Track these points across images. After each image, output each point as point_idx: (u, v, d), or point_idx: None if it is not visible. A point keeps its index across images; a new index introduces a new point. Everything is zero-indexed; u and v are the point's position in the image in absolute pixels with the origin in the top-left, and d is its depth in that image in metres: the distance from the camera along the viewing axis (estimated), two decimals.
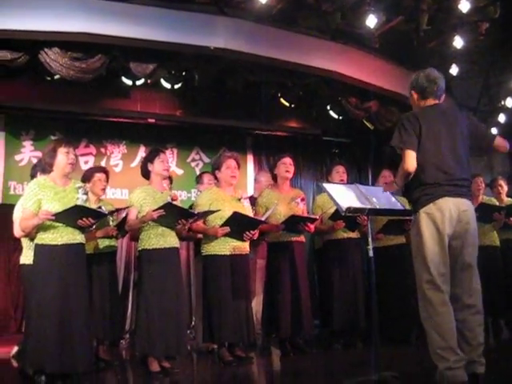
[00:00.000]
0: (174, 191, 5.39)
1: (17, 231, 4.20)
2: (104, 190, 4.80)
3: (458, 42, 6.42)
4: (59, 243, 3.78)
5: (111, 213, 4.37)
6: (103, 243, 4.64)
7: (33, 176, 4.43)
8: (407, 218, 4.82)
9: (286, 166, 5.00)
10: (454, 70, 6.98)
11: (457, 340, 3.02)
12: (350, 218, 4.62)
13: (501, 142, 3.35)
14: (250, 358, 4.62)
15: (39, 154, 6.17)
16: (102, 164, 6.67)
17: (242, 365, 4.43)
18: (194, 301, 5.90)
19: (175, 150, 7.30)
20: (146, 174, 4.38)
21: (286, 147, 7.31)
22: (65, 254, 3.78)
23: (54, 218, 3.69)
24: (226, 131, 7.47)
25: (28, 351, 3.77)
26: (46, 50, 5.37)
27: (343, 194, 3.54)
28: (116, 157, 6.96)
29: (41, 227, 3.79)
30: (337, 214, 4.76)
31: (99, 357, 4.56)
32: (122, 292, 5.65)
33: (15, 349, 5.20)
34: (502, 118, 7.86)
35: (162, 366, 4.12)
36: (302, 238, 5.01)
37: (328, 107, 7.64)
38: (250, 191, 7.14)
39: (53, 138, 6.41)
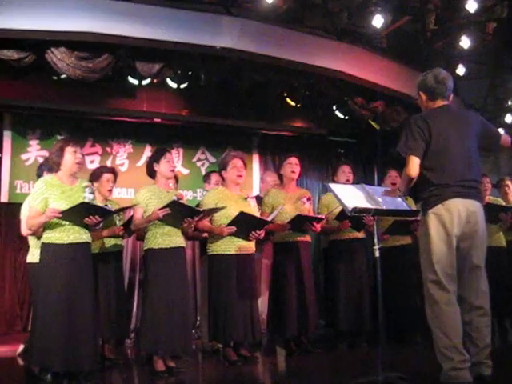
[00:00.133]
0: (180, 191, 5.40)
1: (24, 229, 4.22)
2: (111, 191, 4.80)
3: (465, 42, 6.39)
4: (66, 242, 3.79)
5: (118, 210, 4.37)
6: (109, 242, 4.65)
7: (39, 175, 4.44)
8: (413, 218, 4.83)
9: (292, 166, 5.00)
10: (460, 70, 6.96)
11: (463, 342, 3.02)
12: (355, 218, 4.61)
13: (505, 139, 3.37)
14: (255, 358, 4.62)
15: (45, 153, 6.20)
16: (108, 163, 6.68)
17: (247, 364, 4.44)
18: (199, 300, 5.90)
19: (181, 150, 7.30)
20: (151, 173, 4.39)
21: (291, 147, 7.30)
22: (71, 253, 3.79)
23: (60, 215, 3.70)
24: (232, 131, 7.47)
25: (34, 349, 3.78)
26: (52, 49, 5.39)
27: (349, 194, 3.54)
28: (122, 156, 6.97)
29: (47, 226, 3.80)
30: (343, 214, 4.76)
31: (104, 356, 4.57)
32: (127, 291, 5.66)
33: (21, 347, 5.23)
34: (508, 118, 7.83)
35: (167, 365, 4.13)
36: (307, 238, 5.01)
37: (334, 107, 7.62)
38: (256, 191, 7.14)
39: (59, 137, 6.42)
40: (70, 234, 3.81)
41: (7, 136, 6.39)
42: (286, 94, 7.23)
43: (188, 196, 6.95)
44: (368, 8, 5.88)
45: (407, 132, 3.20)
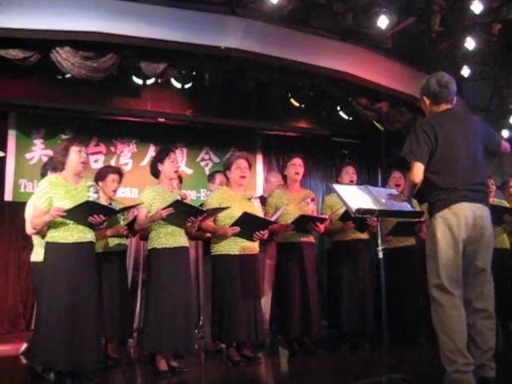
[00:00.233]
0: (184, 191, 5.39)
1: (28, 229, 4.23)
2: (115, 191, 4.80)
3: (470, 44, 6.38)
4: (70, 241, 3.80)
5: (122, 210, 4.37)
6: (113, 242, 4.65)
7: (43, 174, 4.45)
8: (417, 219, 4.83)
9: (296, 167, 5.00)
10: (465, 71, 6.95)
11: (467, 344, 3.01)
12: (359, 219, 4.61)
13: (505, 146, 3.38)
14: (258, 358, 4.62)
15: (50, 152, 6.22)
16: (112, 163, 6.69)
17: (249, 365, 4.44)
18: (202, 300, 5.91)
19: (185, 150, 7.31)
20: (155, 173, 4.39)
21: (295, 148, 7.30)
22: (75, 252, 3.80)
23: (65, 214, 3.71)
24: (236, 131, 7.48)
25: (37, 348, 3.79)
26: (57, 49, 5.40)
27: (353, 195, 3.54)
28: (126, 156, 6.98)
29: (52, 225, 3.81)
30: (346, 215, 4.75)
31: (107, 355, 4.57)
32: (130, 291, 5.67)
33: (24, 346, 5.25)
34: None
35: (170, 365, 4.13)
36: (311, 239, 5.01)
37: (338, 108, 7.61)
38: (260, 191, 7.15)
39: (63, 136, 6.44)
40: (74, 234, 3.82)
41: (12, 135, 6.40)
42: (290, 95, 7.22)
43: (192, 196, 6.95)
44: (373, 9, 5.87)
45: (412, 136, 3.20)
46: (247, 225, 4.42)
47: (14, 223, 6.81)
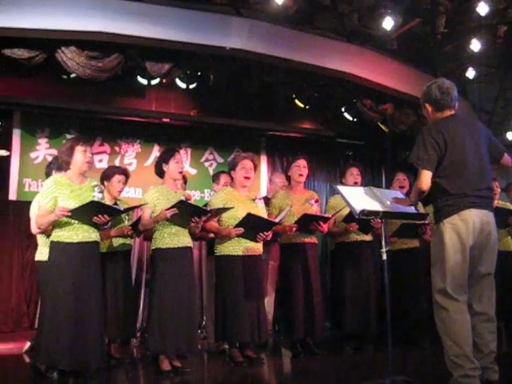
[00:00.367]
0: (188, 191, 5.40)
1: (33, 228, 4.25)
2: (120, 192, 4.80)
3: (476, 45, 6.37)
4: (74, 241, 3.81)
5: (126, 210, 4.37)
6: (117, 242, 4.66)
7: (47, 174, 4.46)
8: (421, 221, 4.82)
9: (300, 168, 5.00)
10: (470, 73, 6.93)
11: None
12: (363, 220, 4.60)
13: (506, 161, 3.36)
14: (261, 359, 4.62)
15: (54, 151, 6.23)
16: (116, 163, 6.70)
17: (252, 365, 4.43)
18: (206, 300, 5.91)
19: (189, 150, 7.31)
20: (160, 173, 4.39)
21: (299, 149, 7.29)
22: (80, 252, 3.81)
23: (70, 214, 3.72)
24: (241, 132, 7.48)
25: (41, 347, 3.79)
26: (62, 48, 5.42)
27: (357, 197, 3.53)
28: (130, 156, 6.98)
29: (57, 224, 3.82)
30: (350, 217, 4.75)
31: (110, 355, 4.58)
32: (133, 290, 5.66)
33: (28, 344, 5.25)
34: None
35: (173, 365, 4.13)
36: (314, 240, 5.00)
37: (343, 109, 7.61)
38: (264, 192, 7.14)
39: (68, 136, 6.45)
40: (79, 233, 3.83)
41: (16, 134, 6.41)
42: (294, 96, 7.22)
43: (196, 196, 6.95)
44: (378, 10, 5.87)
45: (420, 142, 3.18)
46: (251, 226, 4.42)
47: (18, 222, 6.82)
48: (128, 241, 4.76)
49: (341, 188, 3.68)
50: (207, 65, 6.21)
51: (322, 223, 4.82)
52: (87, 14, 5.28)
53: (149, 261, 5.35)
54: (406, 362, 4.01)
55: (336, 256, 5.35)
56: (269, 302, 5.31)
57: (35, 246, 4.52)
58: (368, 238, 5.16)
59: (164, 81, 6.35)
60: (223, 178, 5.39)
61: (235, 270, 4.46)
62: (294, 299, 4.77)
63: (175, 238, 4.19)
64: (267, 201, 5.09)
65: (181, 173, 4.43)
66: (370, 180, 7.96)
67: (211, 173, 7.07)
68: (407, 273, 5.09)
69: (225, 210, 4.46)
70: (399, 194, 3.89)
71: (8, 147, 6.50)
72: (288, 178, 5.13)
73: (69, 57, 5.43)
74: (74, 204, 3.77)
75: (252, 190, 5.02)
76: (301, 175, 5.00)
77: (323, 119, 7.82)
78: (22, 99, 6.23)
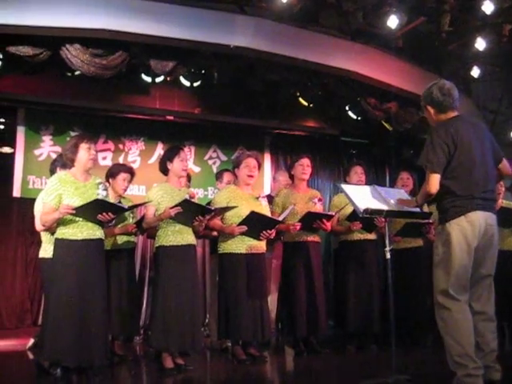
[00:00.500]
0: (191, 189, 5.41)
1: (37, 225, 4.25)
2: (125, 190, 4.82)
3: (480, 44, 6.34)
4: (79, 238, 3.81)
5: (131, 207, 4.38)
6: (122, 239, 4.67)
7: (52, 171, 4.46)
8: (425, 221, 4.81)
9: (304, 167, 4.99)
10: (475, 71, 6.91)
11: None
12: (367, 219, 4.60)
13: (505, 167, 3.35)
14: (264, 357, 4.62)
15: (58, 149, 6.24)
16: (120, 160, 6.70)
17: (255, 363, 4.44)
18: (209, 298, 5.92)
19: (193, 148, 7.31)
20: (164, 170, 4.40)
21: (303, 147, 7.30)
22: (84, 249, 3.82)
23: (74, 212, 3.73)
24: (244, 130, 7.48)
25: (45, 344, 3.80)
26: (67, 46, 5.41)
27: (361, 195, 3.53)
28: (134, 153, 6.99)
29: (61, 222, 3.83)
30: (354, 215, 4.74)
31: (114, 352, 4.59)
32: (137, 288, 5.67)
33: (31, 341, 5.28)
34: None
35: (176, 363, 4.14)
36: (317, 239, 5.00)
37: (347, 107, 7.59)
38: (267, 190, 7.14)
39: (72, 133, 6.46)
40: (84, 231, 3.83)
41: (21, 131, 6.42)
42: (298, 94, 7.21)
43: (199, 194, 6.95)
44: (383, 8, 5.85)
45: (429, 144, 3.16)
46: (254, 224, 4.42)
47: (22, 219, 6.86)
48: (132, 238, 4.77)
49: (345, 186, 3.68)
50: (211, 63, 6.21)
51: (325, 221, 4.82)
52: (91, 11, 5.28)
53: (152, 258, 5.36)
54: (408, 362, 4.00)
55: (339, 254, 5.34)
56: (272, 301, 5.31)
57: (39, 242, 4.53)
58: (371, 236, 5.15)
59: (168, 79, 6.35)
60: (226, 176, 5.39)
61: (238, 268, 4.46)
62: (296, 297, 4.77)
63: (179, 235, 4.19)
64: (271, 199, 5.09)
65: (185, 171, 4.43)
66: (374, 179, 7.94)
67: (215, 171, 7.07)
68: (411, 272, 5.09)
69: (229, 208, 4.46)
70: (403, 193, 3.89)
71: (12, 144, 6.53)
72: (291, 177, 5.13)
73: (73, 54, 5.43)
74: (78, 201, 3.78)
75: (256, 188, 5.02)
76: (304, 173, 5.00)
77: (327, 117, 7.81)
78: (27, 96, 6.24)
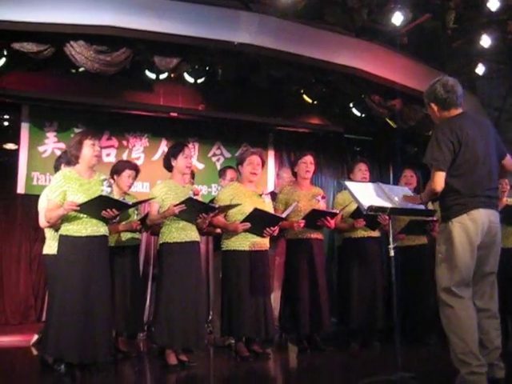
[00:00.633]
0: (195, 186, 5.40)
1: (41, 221, 4.26)
2: (130, 187, 4.83)
3: (486, 41, 6.31)
4: (83, 235, 3.83)
5: (135, 204, 4.39)
6: (126, 236, 4.68)
7: (56, 167, 4.47)
8: (429, 218, 4.80)
9: (307, 165, 4.99)
10: (480, 69, 6.88)
11: None
12: (370, 216, 4.59)
13: (509, 163, 3.33)
14: (267, 354, 4.63)
15: (62, 145, 6.25)
16: (124, 157, 6.71)
17: (258, 360, 4.45)
18: (212, 295, 5.92)
19: (196, 145, 7.31)
20: (168, 167, 4.40)
21: (307, 144, 7.30)
22: (88, 246, 3.83)
23: (78, 208, 3.73)
24: (248, 127, 7.47)
25: (49, 340, 3.82)
26: (71, 42, 5.41)
27: (365, 193, 3.52)
28: (138, 150, 6.99)
29: (65, 218, 3.84)
30: (357, 213, 4.74)
31: (117, 348, 4.60)
32: (141, 285, 5.68)
33: (35, 337, 5.29)
34: None
35: (180, 359, 4.15)
36: (320, 236, 5.00)
37: (351, 105, 7.57)
38: (271, 187, 7.13)
39: (76, 130, 6.47)
40: (88, 227, 3.84)
41: (25, 128, 6.43)
42: (302, 91, 7.19)
43: (203, 191, 6.95)
44: (388, 5, 5.83)
45: (433, 142, 3.15)
46: (258, 221, 4.42)
47: (26, 216, 6.87)
48: (137, 235, 4.78)
49: (349, 183, 3.67)
50: (215, 59, 6.20)
51: (329, 219, 4.81)
52: (96, 8, 5.28)
53: (156, 255, 5.36)
54: (412, 359, 4.00)
55: (343, 252, 5.33)
56: (275, 298, 5.31)
57: (43, 239, 4.54)
58: (375, 234, 5.14)
59: (172, 75, 6.35)
60: (229, 174, 5.39)
61: (242, 265, 4.46)
62: (300, 295, 4.77)
63: (183, 232, 4.20)
64: (274, 196, 5.09)
65: (189, 167, 4.43)
66: (378, 176, 7.93)
67: (219, 167, 7.07)
68: (414, 270, 5.08)
69: (232, 206, 4.46)
70: (407, 191, 3.88)
71: (16, 141, 6.53)
72: (294, 174, 5.12)
73: (77, 51, 5.43)
74: (82, 198, 3.79)
75: (259, 185, 5.01)
76: (308, 171, 5.00)
77: (331, 115, 7.80)
78: (31, 93, 6.24)
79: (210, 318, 6.03)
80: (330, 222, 4.82)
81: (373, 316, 4.99)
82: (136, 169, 4.86)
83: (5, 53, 5.54)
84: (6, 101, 6.28)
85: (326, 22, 6.17)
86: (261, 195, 4.69)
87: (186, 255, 4.18)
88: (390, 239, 3.54)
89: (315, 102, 7.35)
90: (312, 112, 7.73)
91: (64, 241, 3.85)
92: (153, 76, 6.36)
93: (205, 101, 7.10)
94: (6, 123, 7.02)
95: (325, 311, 4.82)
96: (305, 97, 7.27)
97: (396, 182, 6.23)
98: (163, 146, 7.00)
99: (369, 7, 5.96)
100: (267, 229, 4.47)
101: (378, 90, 7.04)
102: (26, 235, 7.08)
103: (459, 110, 3.27)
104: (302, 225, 4.71)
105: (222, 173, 5.60)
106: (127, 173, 4.74)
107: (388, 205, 3.44)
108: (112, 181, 4.53)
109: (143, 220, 4.55)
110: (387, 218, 3.91)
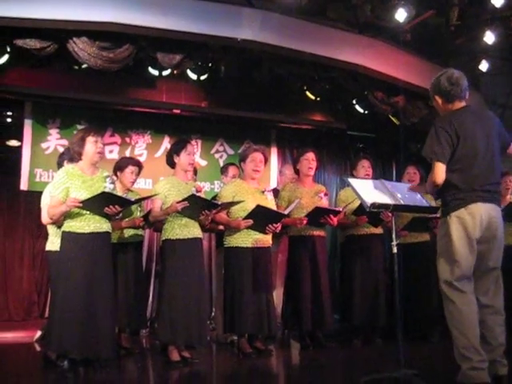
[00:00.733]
0: (198, 182, 5.41)
1: (44, 218, 4.27)
2: (133, 183, 4.83)
3: (489, 38, 6.29)
4: (86, 231, 3.83)
5: (137, 200, 4.39)
6: (129, 232, 4.68)
7: (59, 164, 4.48)
8: (432, 215, 4.79)
9: (309, 162, 4.98)
10: (483, 65, 6.86)
11: None
12: (373, 213, 4.58)
13: None
14: (270, 351, 4.63)
15: (65, 142, 6.25)
16: (127, 153, 6.71)
17: (261, 357, 4.45)
18: (215, 291, 5.92)
19: (199, 141, 7.31)
20: (171, 164, 4.40)
21: (310, 141, 7.28)
22: (91, 242, 3.83)
23: (81, 205, 3.74)
24: (251, 123, 7.46)
25: (52, 336, 3.83)
26: (74, 39, 5.41)
27: (368, 190, 3.51)
28: (140, 147, 6.99)
29: (68, 215, 3.84)
30: (360, 209, 4.73)
31: (120, 344, 4.61)
32: (144, 281, 5.69)
33: (38, 333, 5.31)
34: None
35: (182, 356, 4.15)
36: (323, 233, 5.00)
37: (354, 101, 7.56)
38: (274, 184, 7.13)
39: (79, 126, 6.47)
40: (91, 224, 3.85)
41: (28, 124, 6.43)
42: (305, 88, 7.18)
43: (206, 188, 6.95)
44: (391, 1, 5.81)
45: (433, 135, 3.14)
46: (260, 218, 4.42)
47: (29, 212, 6.89)
48: (140, 232, 4.78)
49: (352, 180, 3.66)
50: (218, 56, 6.19)
51: (332, 217, 4.81)
52: (99, 4, 5.28)
53: (159, 252, 5.37)
54: (414, 356, 3.99)
55: (345, 248, 5.34)
56: (277, 295, 5.31)
57: (46, 235, 4.55)
58: (378, 231, 5.14)
59: (175, 72, 6.34)
60: (231, 170, 5.39)
61: (244, 261, 4.46)
62: (302, 291, 4.77)
63: (185, 229, 4.20)
64: (277, 193, 5.08)
65: (192, 164, 4.43)
66: (381, 173, 7.91)
67: (221, 164, 7.06)
68: (417, 266, 5.07)
69: (235, 203, 4.46)
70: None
71: (19, 137, 6.54)
72: (297, 171, 5.11)
73: (80, 47, 5.43)
74: (85, 195, 3.79)
75: (262, 182, 5.01)
76: (310, 168, 4.99)
77: (334, 111, 7.79)
78: (34, 89, 6.25)
79: (213, 314, 6.04)
80: (332, 220, 4.82)
81: (375, 313, 4.99)
82: (139, 165, 4.86)
83: (8, 49, 5.54)
84: (8, 97, 6.29)
85: (329, 18, 6.17)
86: (263, 192, 4.68)
87: (188, 252, 4.18)
88: (393, 236, 3.54)
89: (318, 99, 7.34)
90: (315, 109, 7.72)
91: (67, 237, 3.85)
92: (156, 73, 6.36)
93: (208, 97, 7.09)
94: (8, 120, 7.04)
95: (327, 308, 4.82)
96: (308, 93, 7.25)
97: (399, 179, 6.22)
98: (166, 143, 7.00)
99: (372, 3, 5.95)
100: (270, 226, 4.46)
101: (381, 87, 7.02)
102: (29, 231, 7.09)
103: (463, 103, 3.26)
104: (305, 222, 4.70)
105: (223, 170, 5.60)
106: (130, 169, 4.75)
107: (391, 202, 3.43)
108: (115, 177, 4.53)
109: (146, 217, 4.55)
110: (390, 214, 3.90)
